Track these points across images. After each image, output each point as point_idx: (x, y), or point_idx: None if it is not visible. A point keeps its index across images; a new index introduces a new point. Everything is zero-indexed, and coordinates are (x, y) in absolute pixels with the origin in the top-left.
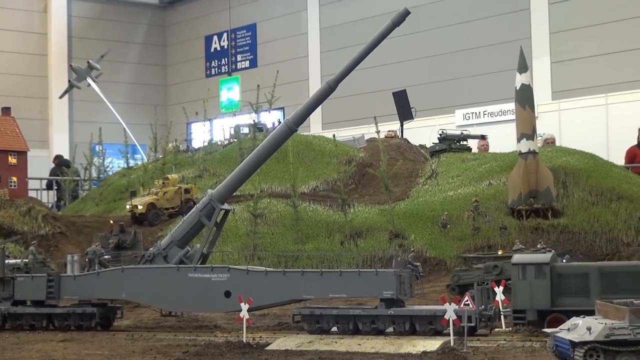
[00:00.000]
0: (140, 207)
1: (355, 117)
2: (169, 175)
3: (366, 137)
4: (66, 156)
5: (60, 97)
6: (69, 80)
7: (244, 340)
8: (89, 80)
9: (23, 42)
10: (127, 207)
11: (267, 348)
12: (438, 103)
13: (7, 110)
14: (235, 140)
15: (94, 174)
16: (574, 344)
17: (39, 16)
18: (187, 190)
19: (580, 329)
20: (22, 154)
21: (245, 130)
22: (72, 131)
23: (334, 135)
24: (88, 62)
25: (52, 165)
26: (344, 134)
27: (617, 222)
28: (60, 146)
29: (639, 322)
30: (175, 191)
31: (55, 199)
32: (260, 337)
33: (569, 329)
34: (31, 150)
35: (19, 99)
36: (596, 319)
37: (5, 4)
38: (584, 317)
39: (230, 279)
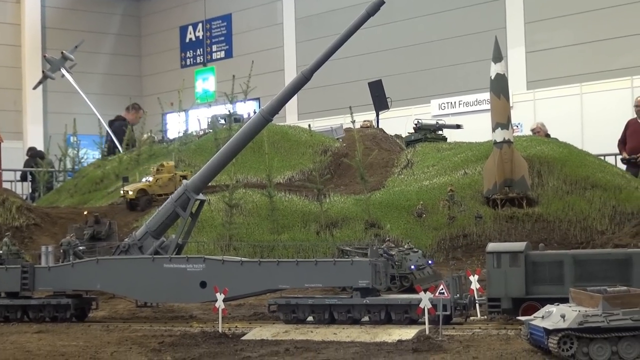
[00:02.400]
0: (130, 192)
1: (331, 107)
2: (164, 162)
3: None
4: (40, 147)
5: (34, 88)
6: (43, 71)
7: (220, 331)
8: (63, 71)
9: None
10: (121, 192)
11: (243, 338)
12: (413, 93)
13: None
14: (211, 130)
15: (69, 165)
16: (548, 332)
17: (12, 7)
18: (183, 177)
19: (554, 316)
20: None
21: (222, 120)
22: (46, 122)
23: (309, 126)
24: (62, 52)
25: (26, 156)
26: (319, 124)
27: (591, 211)
28: (35, 137)
29: (613, 309)
30: (169, 178)
31: (30, 191)
32: (236, 327)
33: (543, 317)
34: (5, 141)
35: None
36: (570, 306)
37: None
38: (558, 304)
39: (206, 270)
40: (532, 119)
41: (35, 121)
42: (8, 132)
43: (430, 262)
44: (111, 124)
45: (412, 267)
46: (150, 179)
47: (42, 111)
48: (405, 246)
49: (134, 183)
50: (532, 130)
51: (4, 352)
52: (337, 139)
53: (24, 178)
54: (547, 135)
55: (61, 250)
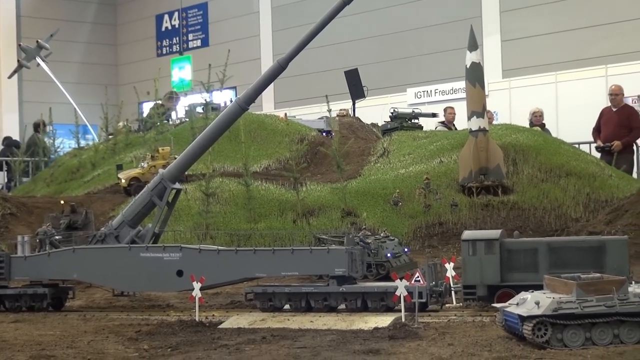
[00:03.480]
0: (123, 181)
1: (307, 95)
2: (160, 148)
3: (318, 117)
4: (16, 137)
5: (9, 77)
6: (18, 60)
7: (197, 319)
8: (39, 60)
9: None
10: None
11: (220, 326)
12: (390, 82)
13: None
14: (188, 119)
15: (44, 155)
16: (523, 318)
17: None
18: None
19: (528, 303)
20: None
21: (200, 109)
22: (21, 111)
23: (285, 115)
24: (37, 41)
25: (2, 146)
26: (295, 112)
27: (566, 199)
28: (10, 127)
29: (586, 296)
30: (163, 165)
31: (5, 180)
32: (213, 315)
33: (518, 304)
34: None
35: None
36: (544, 293)
37: None
38: (532, 291)
39: (183, 258)
40: (508, 108)
41: (10, 110)
42: None
43: (406, 250)
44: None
45: (389, 255)
46: (145, 165)
47: (18, 100)
48: (382, 234)
49: (128, 170)
50: (533, 113)
51: None
52: (329, 131)
53: None
54: (542, 125)
55: (37, 240)
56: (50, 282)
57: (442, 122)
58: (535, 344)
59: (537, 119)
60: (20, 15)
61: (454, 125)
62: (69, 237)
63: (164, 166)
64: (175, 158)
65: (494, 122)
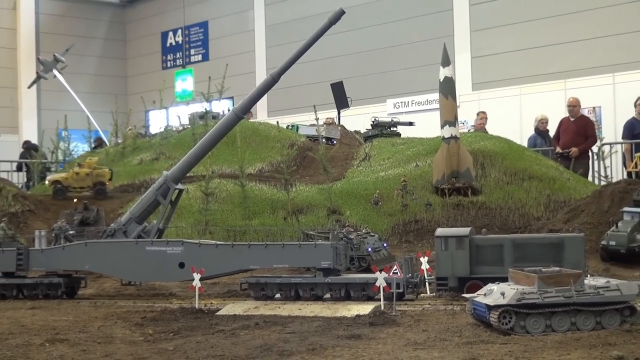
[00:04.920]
0: (47, 182)
1: (297, 105)
2: (88, 158)
3: (307, 124)
4: (34, 141)
5: (29, 87)
6: (37, 72)
7: (197, 307)
8: (55, 72)
9: None
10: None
11: (218, 313)
12: (371, 93)
13: None
14: (190, 126)
15: (60, 157)
16: (490, 307)
17: (8, 13)
18: (98, 175)
19: (495, 294)
20: None
21: (200, 120)
22: (40, 118)
23: (277, 122)
24: (54, 55)
25: (22, 149)
26: (287, 120)
27: (529, 199)
28: (29, 132)
29: (547, 287)
30: (87, 173)
31: (25, 180)
32: (211, 303)
33: (485, 294)
34: (2, 135)
35: None
36: (509, 285)
37: None
38: (498, 283)
39: (184, 252)
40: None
41: (29, 117)
42: (5, 127)
43: (385, 244)
44: None
45: (369, 249)
46: (71, 171)
47: (36, 108)
48: (363, 230)
49: (55, 174)
50: (540, 120)
51: (1, 326)
52: (332, 138)
53: (19, 169)
54: (546, 131)
55: (53, 234)
56: (64, 273)
57: (474, 126)
58: (501, 330)
59: (542, 125)
60: (39, 32)
61: (485, 129)
62: (81, 232)
63: (88, 174)
64: (101, 168)
65: (464, 131)
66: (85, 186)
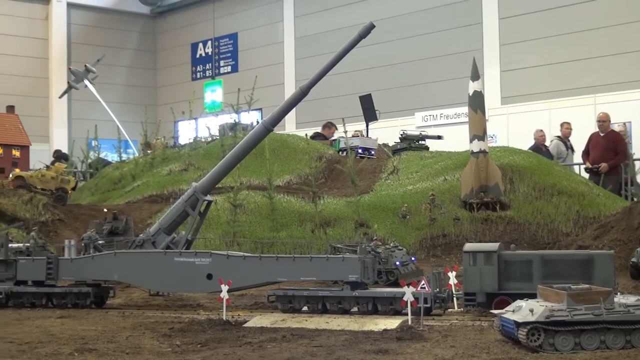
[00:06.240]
0: (11, 175)
1: (325, 118)
2: (57, 164)
3: (335, 136)
4: (65, 150)
5: (60, 97)
6: (68, 82)
7: (224, 318)
8: (86, 82)
9: (26, 46)
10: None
11: (245, 325)
12: (400, 106)
13: (11, 109)
14: (219, 137)
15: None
16: (518, 324)
17: (41, 23)
18: (63, 181)
19: (523, 310)
20: (24, 148)
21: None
22: (70, 127)
23: (306, 135)
24: (85, 65)
25: (52, 158)
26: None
27: (557, 215)
28: (60, 141)
29: (576, 305)
30: (52, 177)
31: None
32: (239, 315)
33: (513, 311)
34: (33, 144)
35: (23, 98)
36: (538, 301)
37: (11, 12)
38: (527, 300)
39: (212, 263)
40: (506, 131)
41: (60, 126)
42: (36, 136)
43: (413, 258)
44: (312, 138)
45: (397, 263)
46: (36, 170)
47: (67, 117)
48: (391, 244)
49: (21, 171)
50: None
51: (30, 335)
52: (370, 149)
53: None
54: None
55: (82, 244)
56: (93, 282)
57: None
58: (529, 347)
59: (566, 131)
60: (70, 42)
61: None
62: (110, 242)
63: (53, 178)
64: (66, 174)
65: (492, 145)
66: (47, 189)
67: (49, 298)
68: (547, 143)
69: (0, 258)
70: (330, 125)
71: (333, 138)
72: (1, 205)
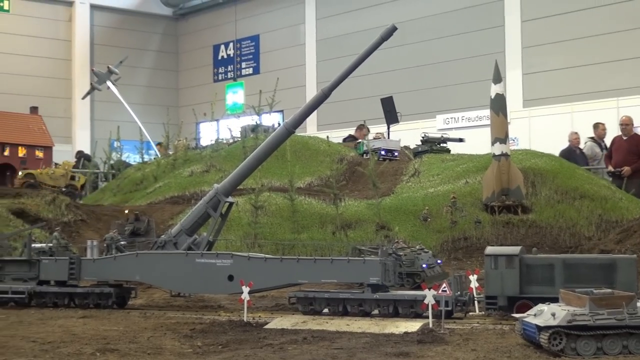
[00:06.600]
0: (20, 173)
1: (347, 120)
2: (65, 161)
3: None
4: (87, 151)
5: (83, 98)
6: (91, 83)
7: (245, 320)
8: (109, 83)
9: (50, 48)
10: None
11: (266, 327)
12: (421, 108)
13: (35, 110)
14: (240, 139)
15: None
16: (540, 328)
17: (64, 25)
18: (72, 177)
19: (545, 314)
20: (47, 149)
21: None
22: (93, 128)
23: (327, 137)
24: (108, 67)
25: (75, 159)
26: (337, 134)
27: (580, 219)
28: (82, 142)
29: (598, 309)
30: (62, 174)
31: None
32: (260, 316)
33: (535, 315)
34: (56, 145)
35: (46, 99)
36: (560, 305)
37: (35, 13)
38: (549, 304)
39: (233, 265)
40: (528, 134)
41: (83, 127)
42: (59, 137)
43: (439, 261)
44: (344, 140)
45: (424, 266)
46: (46, 168)
47: (90, 118)
48: (417, 247)
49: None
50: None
51: (53, 335)
52: (393, 150)
53: (72, 178)
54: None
55: (105, 245)
56: (115, 283)
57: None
58: (551, 352)
59: (601, 132)
60: (93, 43)
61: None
62: (132, 242)
63: (62, 175)
64: (70, 170)
65: (514, 148)
66: (57, 186)
67: (71, 298)
68: (580, 145)
69: (24, 258)
70: (362, 127)
71: (359, 141)
72: (24, 206)
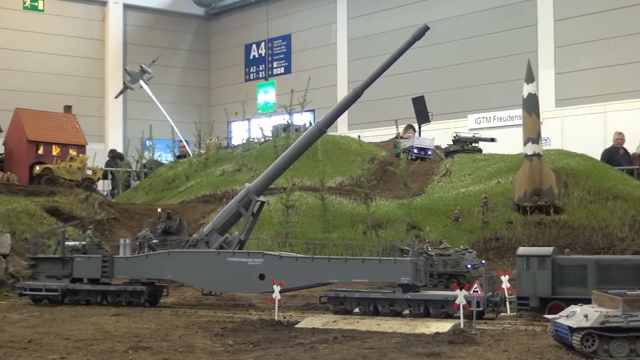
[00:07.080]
0: (37, 168)
1: (378, 119)
2: (81, 155)
3: (387, 138)
4: (120, 150)
5: (116, 97)
6: (124, 82)
7: (276, 319)
8: (141, 83)
9: (83, 47)
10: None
11: (296, 326)
12: (453, 108)
13: (68, 109)
14: (272, 138)
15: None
16: (572, 330)
17: (98, 24)
18: (89, 178)
19: (578, 315)
20: (81, 147)
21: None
22: (125, 127)
23: (358, 136)
24: (141, 66)
25: (107, 157)
26: (368, 134)
27: (613, 219)
28: (115, 140)
29: (631, 311)
30: (78, 168)
31: (110, 188)
32: (290, 316)
33: (567, 316)
34: (89, 144)
35: (79, 98)
36: (592, 307)
37: (69, 13)
38: (581, 305)
39: (265, 264)
40: (560, 134)
41: (116, 126)
42: (92, 135)
43: (483, 262)
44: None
45: (469, 266)
46: (62, 162)
47: (122, 117)
48: (461, 247)
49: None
50: None
51: (85, 332)
52: (426, 149)
53: (105, 177)
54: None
55: (137, 243)
56: (147, 281)
57: None
58: (584, 353)
59: None
60: (126, 43)
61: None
62: (164, 241)
63: (79, 169)
64: (86, 164)
65: (547, 148)
66: (74, 179)
67: (103, 296)
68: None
69: (57, 256)
70: (409, 127)
71: (398, 140)
72: (58, 204)
